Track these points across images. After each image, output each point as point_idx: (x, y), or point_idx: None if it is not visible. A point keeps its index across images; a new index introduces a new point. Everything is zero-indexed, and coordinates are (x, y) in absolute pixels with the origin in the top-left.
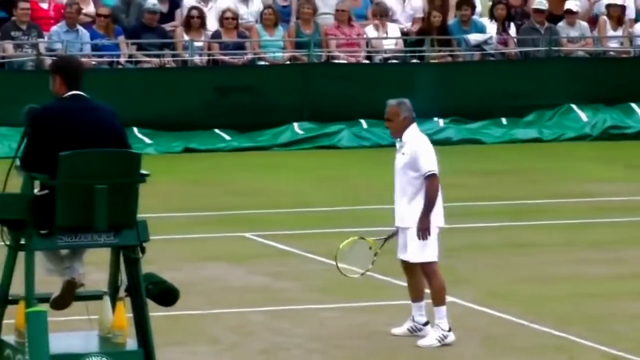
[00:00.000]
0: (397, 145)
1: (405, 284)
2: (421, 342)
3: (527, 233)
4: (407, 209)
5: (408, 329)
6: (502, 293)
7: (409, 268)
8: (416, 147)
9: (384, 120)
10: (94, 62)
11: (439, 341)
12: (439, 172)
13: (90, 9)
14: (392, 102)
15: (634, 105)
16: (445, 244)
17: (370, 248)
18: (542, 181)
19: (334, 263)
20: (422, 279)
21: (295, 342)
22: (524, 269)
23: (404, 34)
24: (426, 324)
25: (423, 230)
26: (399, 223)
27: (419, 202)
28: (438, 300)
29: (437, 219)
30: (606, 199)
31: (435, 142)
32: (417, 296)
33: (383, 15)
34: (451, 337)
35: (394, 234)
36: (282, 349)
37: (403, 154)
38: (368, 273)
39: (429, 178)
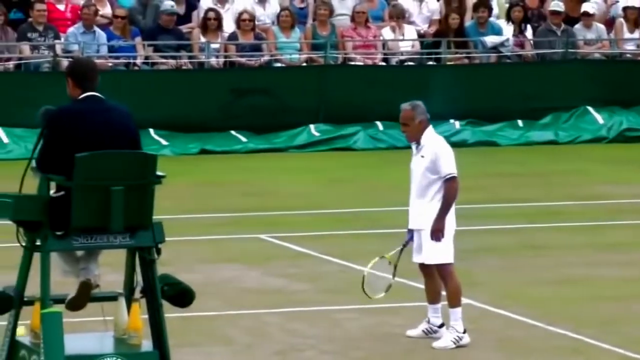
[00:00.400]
0: (414, 148)
1: (420, 286)
2: (436, 344)
3: (543, 235)
4: (424, 211)
5: (423, 331)
6: (518, 295)
7: (426, 270)
8: (436, 150)
9: (399, 123)
10: (110, 64)
11: (454, 343)
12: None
13: (106, 10)
14: (406, 106)
15: None
16: (461, 245)
17: (390, 263)
18: (558, 183)
19: (349, 264)
20: (439, 281)
21: (309, 344)
22: (539, 271)
23: (421, 35)
24: (441, 325)
25: (437, 232)
26: (414, 225)
27: (437, 205)
28: (454, 302)
29: (452, 221)
30: (622, 202)
31: (451, 144)
32: (433, 298)
33: (400, 17)
34: (466, 339)
35: (409, 240)
36: (297, 350)
37: (422, 156)
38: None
39: (448, 181)
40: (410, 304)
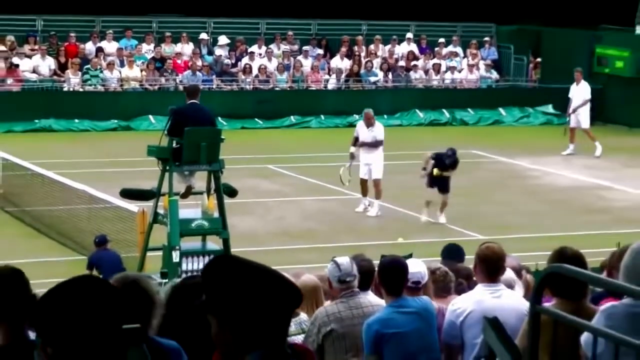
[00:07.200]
0: (368, 128)
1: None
2: (370, 213)
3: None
4: (374, 157)
5: (364, 209)
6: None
7: (365, 182)
8: (379, 129)
9: (332, 115)
10: (201, 87)
11: (377, 213)
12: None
13: (199, 62)
14: (368, 109)
15: (444, 110)
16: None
17: (348, 171)
18: (402, 146)
19: (310, 179)
20: (369, 188)
21: (291, 215)
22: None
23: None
24: (369, 204)
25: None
26: (368, 161)
27: (380, 153)
28: (379, 196)
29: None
30: (433, 151)
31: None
32: (364, 194)
33: (335, 71)
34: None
35: (352, 163)
36: (284, 218)
37: (373, 131)
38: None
39: (380, 142)
40: (343, 197)
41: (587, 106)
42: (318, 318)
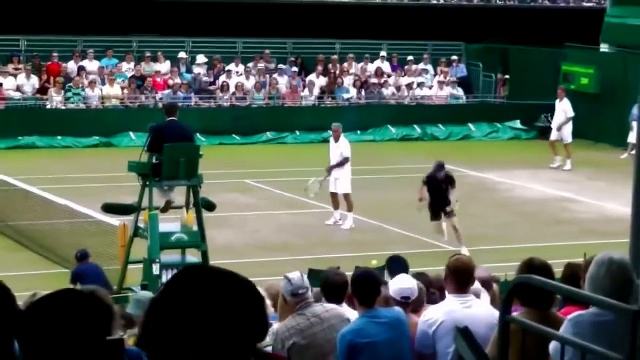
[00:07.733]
0: (334, 143)
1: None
2: (344, 226)
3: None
4: (341, 172)
5: (334, 222)
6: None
7: (335, 196)
8: (345, 144)
9: (307, 131)
10: (180, 105)
11: (351, 226)
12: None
13: (177, 80)
14: (335, 124)
15: (415, 125)
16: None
17: (320, 184)
18: (374, 159)
19: (292, 195)
20: (340, 201)
21: (268, 228)
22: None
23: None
24: (341, 218)
25: (330, 170)
26: (335, 175)
27: (347, 168)
28: (350, 209)
29: (350, 176)
30: (406, 167)
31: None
32: (336, 208)
33: (308, 85)
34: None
35: (327, 176)
36: (261, 231)
37: (339, 147)
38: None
39: (346, 160)
40: (318, 210)
41: (570, 122)
42: (279, 334)
